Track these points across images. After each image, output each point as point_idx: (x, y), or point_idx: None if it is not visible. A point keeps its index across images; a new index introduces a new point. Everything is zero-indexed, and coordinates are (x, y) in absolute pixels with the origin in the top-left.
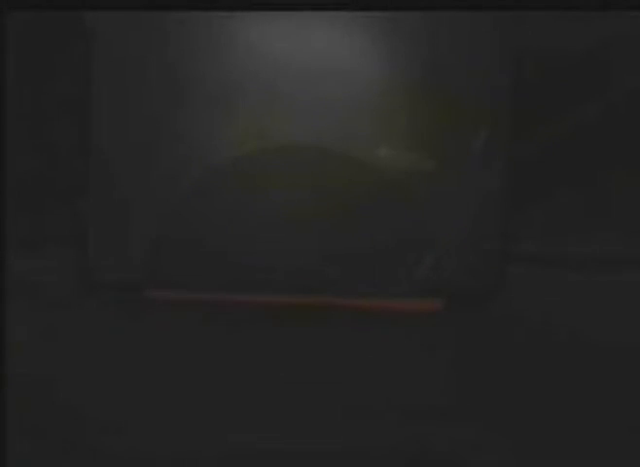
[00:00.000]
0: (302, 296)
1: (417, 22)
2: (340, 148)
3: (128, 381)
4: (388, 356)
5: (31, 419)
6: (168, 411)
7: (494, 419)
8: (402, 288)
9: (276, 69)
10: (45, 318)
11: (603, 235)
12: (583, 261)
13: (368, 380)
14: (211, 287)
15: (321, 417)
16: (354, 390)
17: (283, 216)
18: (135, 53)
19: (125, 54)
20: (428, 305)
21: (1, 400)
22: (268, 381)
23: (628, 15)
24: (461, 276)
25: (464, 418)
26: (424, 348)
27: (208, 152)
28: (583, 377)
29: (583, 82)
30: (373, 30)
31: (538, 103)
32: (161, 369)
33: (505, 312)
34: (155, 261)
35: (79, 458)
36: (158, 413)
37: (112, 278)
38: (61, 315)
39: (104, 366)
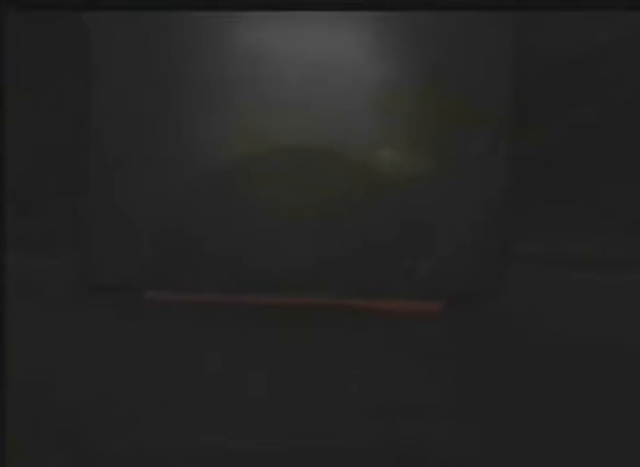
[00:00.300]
0: (301, 297)
1: (417, 22)
2: (340, 149)
3: (128, 382)
4: (385, 358)
5: (31, 419)
6: (168, 410)
7: (496, 420)
8: (402, 289)
9: (275, 70)
10: (45, 318)
11: (604, 235)
12: (583, 261)
13: (363, 381)
14: (210, 288)
15: (322, 418)
16: (353, 391)
17: (282, 217)
18: (133, 54)
19: (124, 55)
20: (428, 306)
21: (1, 400)
22: (269, 383)
23: (630, 15)
24: (461, 278)
25: (465, 419)
26: (425, 349)
27: (207, 153)
28: (583, 378)
29: (584, 82)
30: (374, 30)
31: (539, 104)
32: (160, 369)
33: (505, 313)
34: (154, 262)
35: (78, 458)
36: (157, 413)
37: (111, 280)
38: (61, 315)
39: (103, 366)
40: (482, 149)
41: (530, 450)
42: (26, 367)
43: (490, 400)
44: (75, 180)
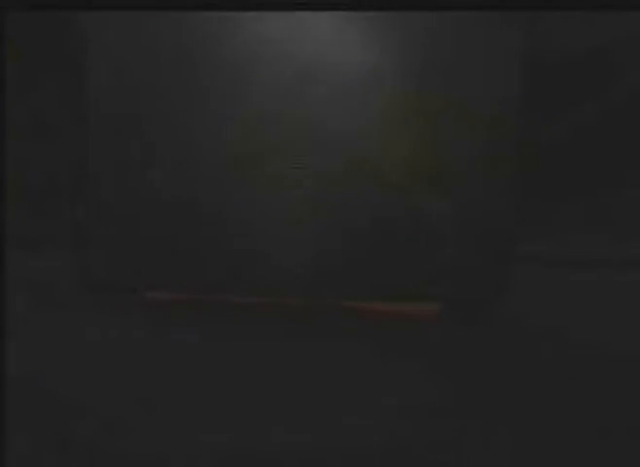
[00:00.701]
0: (300, 297)
1: (420, 23)
2: (344, 150)
3: (128, 381)
4: (386, 360)
5: (31, 419)
6: (167, 410)
7: (497, 422)
8: (404, 292)
9: (272, 70)
10: (45, 318)
11: (606, 236)
12: (585, 261)
13: (363, 383)
14: (206, 288)
15: (321, 418)
16: (351, 391)
17: (281, 218)
18: (131, 53)
19: (122, 54)
20: (430, 309)
21: (1, 400)
22: (266, 382)
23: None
24: (463, 280)
25: (466, 421)
26: (425, 351)
27: (205, 154)
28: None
29: (586, 82)
30: (376, 31)
31: (540, 104)
32: (159, 369)
33: (507, 315)
34: (152, 262)
35: (77, 458)
36: (156, 413)
37: (108, 280)
38: (61, 315)
39: (103, 365)
40: (485, 151)
41: (530, 451)
42: (26, 366)
43: (492, 402)
44: (73, 180)
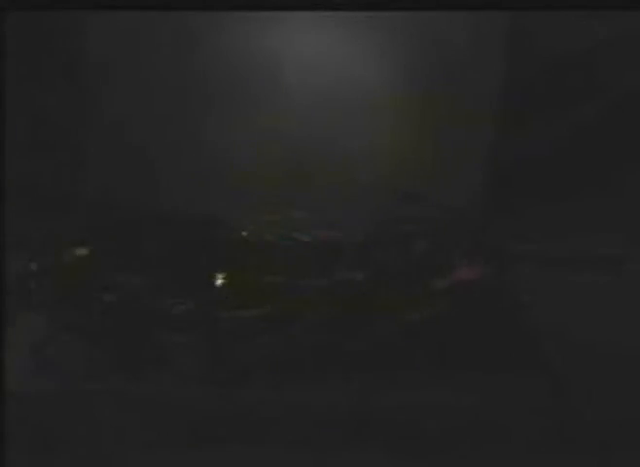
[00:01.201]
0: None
1: (417, 23)
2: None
3: (129, 381)
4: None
5: (30, 417)
6: (169, 411)
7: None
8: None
9: (271, 72)
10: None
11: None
12: (578, 260)
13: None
14: None
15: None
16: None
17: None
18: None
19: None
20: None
21: (1, 398)
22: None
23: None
24: (464, 278)
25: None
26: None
27: (195, 159)
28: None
29: (583, 81)
30: (369, 31)
31: (537, 104)
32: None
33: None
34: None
35: (78, 459)
36: (156, 411)
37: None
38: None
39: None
40: (484, 150)
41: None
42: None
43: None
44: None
